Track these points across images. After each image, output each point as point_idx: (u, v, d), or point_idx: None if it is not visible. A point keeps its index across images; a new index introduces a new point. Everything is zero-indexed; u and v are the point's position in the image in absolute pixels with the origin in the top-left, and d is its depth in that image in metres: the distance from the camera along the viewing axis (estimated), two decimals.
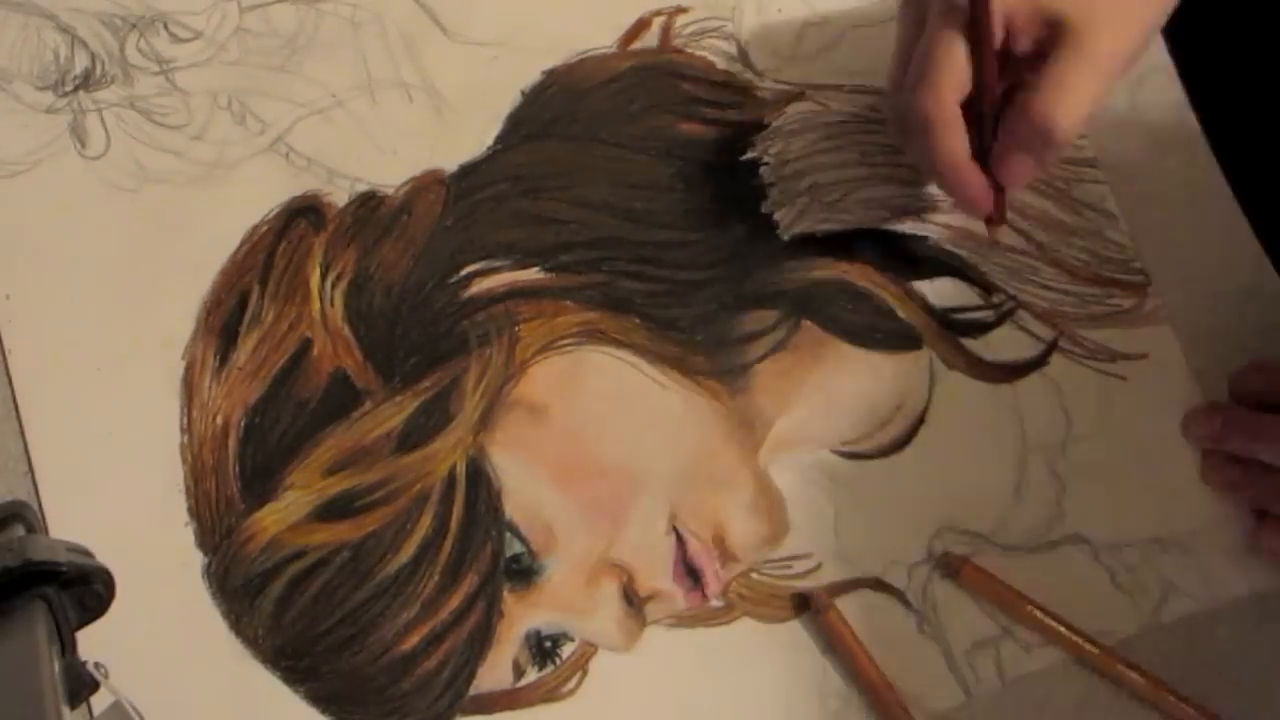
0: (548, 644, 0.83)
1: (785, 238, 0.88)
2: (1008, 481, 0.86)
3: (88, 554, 0.63)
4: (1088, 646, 0.83)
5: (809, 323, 0.88)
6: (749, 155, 0.89)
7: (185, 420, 0.84)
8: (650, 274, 0.87)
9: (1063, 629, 0.83)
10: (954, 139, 0.78)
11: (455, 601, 0.82)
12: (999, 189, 0.81)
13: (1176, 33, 0.90)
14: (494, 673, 0.82)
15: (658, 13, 0.92)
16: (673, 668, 0.83)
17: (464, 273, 0.86)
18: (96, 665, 0.60)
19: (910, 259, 0.89)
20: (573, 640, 0.83)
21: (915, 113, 0.78)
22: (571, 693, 0.82)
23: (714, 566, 0.84)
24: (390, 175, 0.88)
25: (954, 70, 0.77)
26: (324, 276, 0.86)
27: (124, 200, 0.87)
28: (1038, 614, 0.83)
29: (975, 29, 0.76)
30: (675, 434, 0.85)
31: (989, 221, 0.84)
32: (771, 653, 0.83)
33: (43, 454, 0.83)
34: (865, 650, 0.82)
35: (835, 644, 0.83)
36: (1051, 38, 0.77)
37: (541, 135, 0.89)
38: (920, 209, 0.89)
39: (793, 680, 0.83)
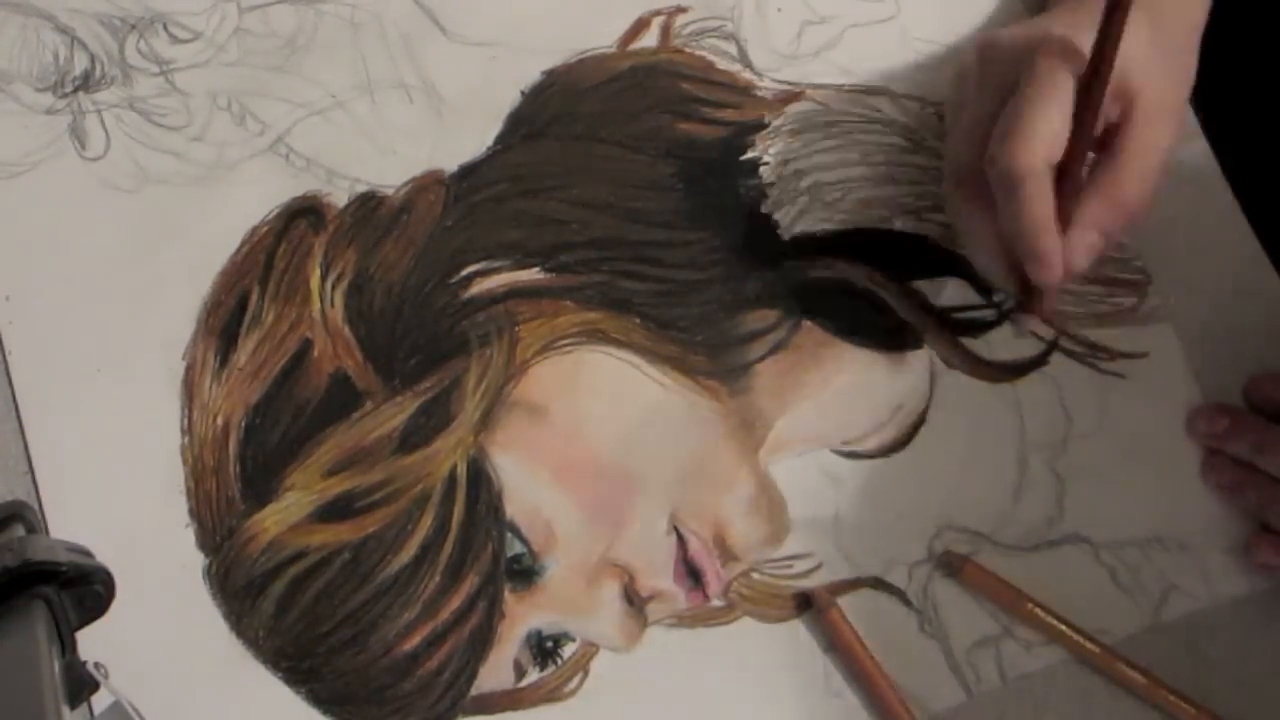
0: (549, 644, 0.83)
1: (785, 237, 0.88)
2: (1008, 480, 0.86)
3: (88, 554, 0.63)
4: (1088, 645, 0.83)
5: (809, 322, 0.88)
6: (749, 155, 0.90)
7: (186, 421, 0.84)
8: (650, 274, 0.87)
9: (1064, 628, 0.83)
10: (1045, 199, 0.78)
11: (456, 602, 0.82)
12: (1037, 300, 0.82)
13: None
14: (495, 673, 0.82)
15: (657, 12, 0.92)
16: (674, 668, 0.83)
17: (464, 273, 0.86)
18: (96, 665, 0.60)
19: (910, 258, 0.88)
20: (574, 640, 0.83)
21: (1009, 170, 0.77)
22: (573, 693, 0.82)
23: (715, 566, 0.84)
24: (390, 175, 0.88)
25: (1053, 133, 0.77)
26: (324, 277, 0.86)
27: (124, 201, 0.87)
28: (1039, 613, 0.83)
29: (1087, 93, 0.76)
30: (676, 434, 0.85)
31: (1028, 309, 0.83)
32: (772, 652, 0.83)
33: (43, 455, 0.83)
34: (867, 649, 0.82)
35: (837, 643, 0.83)
36: (1124, 113, 0.78)
37: (541, 135, 0.89)
38: (920, 208, 0.89)
39: (794, 680, 0.83)
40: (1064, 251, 0.78)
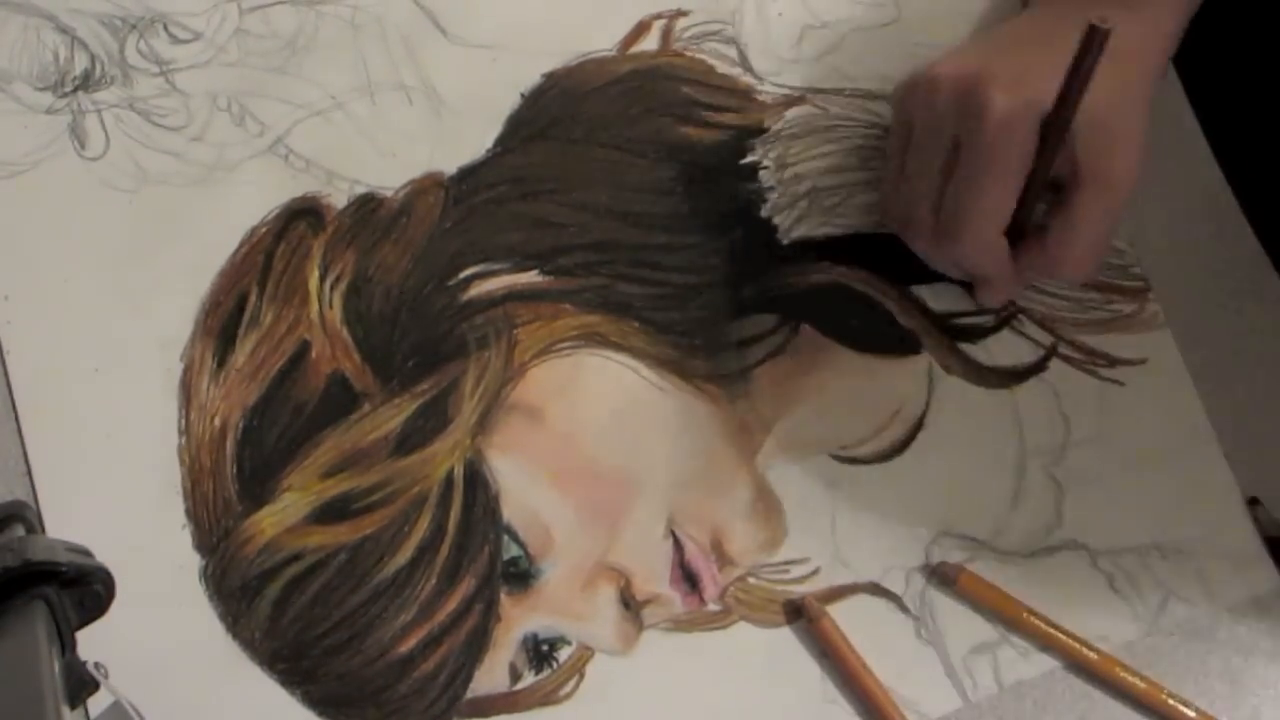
0: (545, 647, 0.82)
1: (784, 241, 0.88)
2: (1006, 487, 0.86)
3: (87, 554, 0.63)
4: (1086, 652, 0.83)
5: (808, 327, 0.88)
6: (749, 159, 0.90)
7: (183, 422, 0.84)
8: (649, 277, 0.87)
9: (1061, 635, 0.83)
10: (998, 262, 0.81)
11: (452, 604, 0.82)
12: None
13: None
14: (491, 676, 0.82)
15: (658, 16, 0.92)
16: (670, 672, 0.83)
17: (463, 275, 0.86)
18: (96, 665, 0.60)
19: (909, 263, 0.88)
20: (570, 644, 0.83)
21: (964, 253, 0.81)
22: (569, 696, 0.82)
23: (711, 571, 0.84)
24: (389, 177, 0.88)
25: (1001, 211, 0.79)
26: (323, 279, 0.86)
27: (123, 201, 0.87)
28: (1035, 621, 0.83)
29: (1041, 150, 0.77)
30: (674, 438, 0.85)
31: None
32: (768, 657, 0.83)
33: (41, 455, 0.83)
34: (859, 657, 0.82)
35: (830, 652, 0.83)
36: (1071, 175, 0.78)
37: (541, 138, 0.89)
38: None
39: (789, 684, 0.83)
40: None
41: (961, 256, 0.81)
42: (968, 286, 0.88)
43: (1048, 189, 0.79)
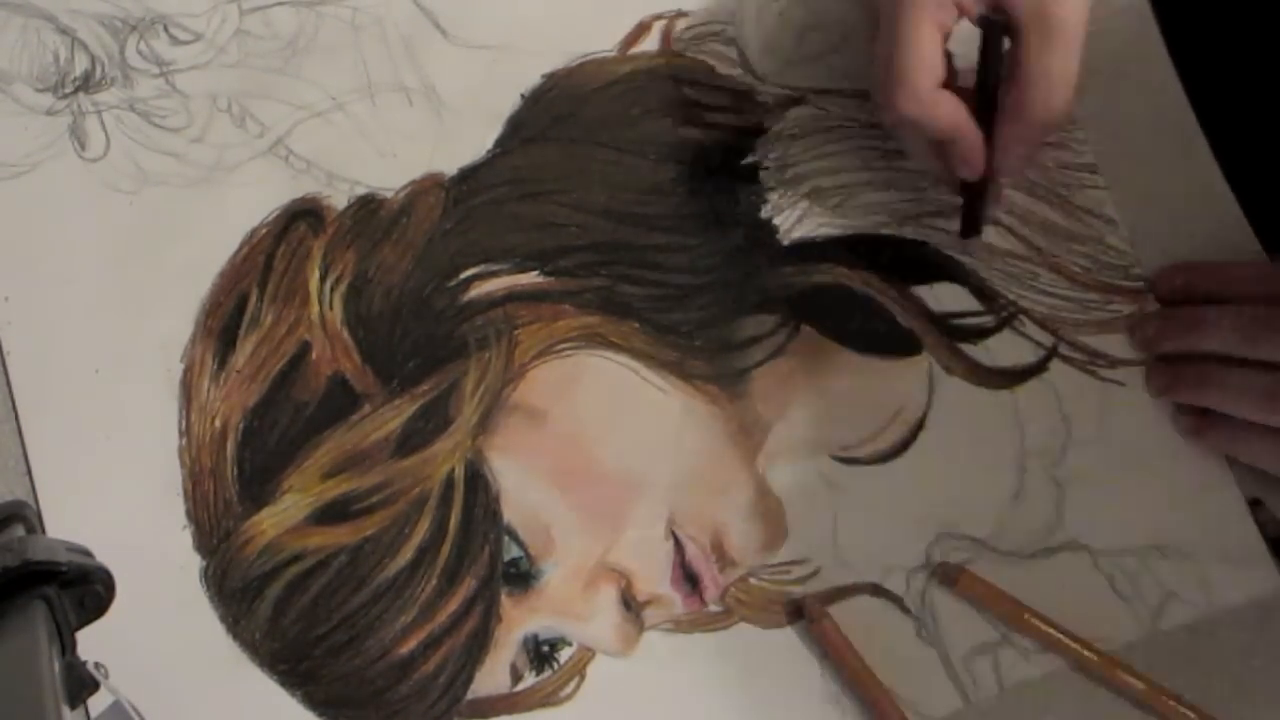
0: (545, 648, 0.82)
1: (785, 242, 0.88)
2: (1007, 487, 0.86)
3: (88, 554, 0.63)
4: (1087, 653, 0.83)
5: (808, 327, 0.88)
6: (749, 160, 0.90)
7: (184, 423, 0.84)
8: (649, 278, 0.87)
9: (1062, 635, 0.83)
10: (944, 117, 0.81)
11: (453, 605, 0.82)
12: (980, 205, 0.86)
13: (1176, 35, 0.90)
14: (492, 677, 0.82)
15: (658, 16, 0.92)
16: (670, 673, 0.83)
17: (463, 276, 0.86)
18: (96, 665, 0.60)
19: (910, 264, 0.88)
20: (571, 645, 0.83)
21: (898, 120, 0.82)
22: (569, 697, 0.82)
23: (712, 571, 0.84)
24: (390, 178, 0.88)
25: (925, 66, 0.80)
26: (323, 279, 0.86)
27: (123, 202, 0.87)
28: (1036, 622, 0.83)
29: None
30: (674, 438, 0.85)
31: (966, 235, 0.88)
32: (769, 658, 0.83)
33: (41, 456, 0.83)
34: (860, 658, 0.82)
35: (831, 652, 0.83)
36: (1013, 30, 0.80)
37: (541, 139, 0.89)
38: (921, 214, 0.89)
39: (790, 685, 0.83)
40: (991, 162, 0.83)
41: (906, 113, 0.81)
42: (981, 293, 0.88)
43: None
